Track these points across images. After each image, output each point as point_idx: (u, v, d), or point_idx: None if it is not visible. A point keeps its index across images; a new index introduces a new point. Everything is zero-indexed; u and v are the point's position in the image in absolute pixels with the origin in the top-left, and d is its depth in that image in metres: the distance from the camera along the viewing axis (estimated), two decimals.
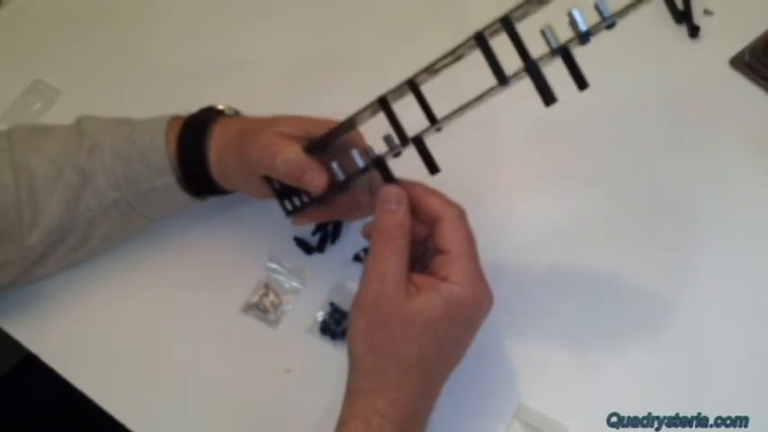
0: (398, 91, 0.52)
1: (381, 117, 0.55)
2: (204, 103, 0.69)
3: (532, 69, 0.48)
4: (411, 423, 0.51)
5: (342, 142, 0.59)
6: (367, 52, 0.79)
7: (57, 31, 0.85)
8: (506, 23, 0.48)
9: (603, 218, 0.68)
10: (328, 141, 0.59)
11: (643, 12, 0.76)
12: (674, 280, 0.64)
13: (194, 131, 0.63)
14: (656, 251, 0.66)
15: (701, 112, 0.71)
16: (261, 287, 0.68)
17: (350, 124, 0.57)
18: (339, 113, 0.62)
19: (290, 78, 0.79)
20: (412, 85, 0.51)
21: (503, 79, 0.49)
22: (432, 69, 0.51)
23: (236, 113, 0.68)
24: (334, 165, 0.57)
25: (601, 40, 0.76)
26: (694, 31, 0.74)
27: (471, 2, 0.80)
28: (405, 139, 0.53)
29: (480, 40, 0.49)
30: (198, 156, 0.63)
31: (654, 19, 0.76)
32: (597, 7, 0.48)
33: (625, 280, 0.65)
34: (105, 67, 0.82)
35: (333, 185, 0.58)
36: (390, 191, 0.54)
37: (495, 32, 0.50)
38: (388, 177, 0.55)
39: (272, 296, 0.68)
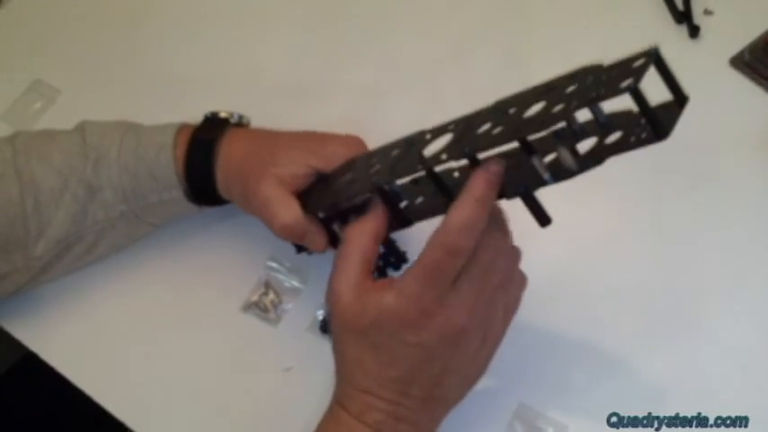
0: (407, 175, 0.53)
1: (393, 133, 0.56)
2: (205, 105, 0.68)
3: (527, 197, 0.49)
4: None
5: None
6: (368, 58, 0.79)
7: (57, 31, 0.85)
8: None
9: (601, 216, 0.68)
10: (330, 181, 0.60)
11: (643, 12, 0.77)
12: (673, 279, 0.64)
13: (201, 152, 0.63)
14: (655, 248, 0.66)
15: (700, 112, 0.71)
16: (261, 286, 0.68)
17: (348, 167, 0.59)
18: (340, 119, 0.63)
19: (292, 81, 0.79)
20: (429, 173, 0.52)
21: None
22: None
23: (240, 119, 0.67)
24: (335, 227, 0.59)
25: (600, 39, 0.76)
26: (694, 31, 0.74)
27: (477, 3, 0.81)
28: (408, 223, 0.55)
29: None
30: (205, 177, 0.63)
31: (653, 19, 0.76)
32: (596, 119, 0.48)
33: (625, 278, 0.65)
34: (105, 67, 0.82)
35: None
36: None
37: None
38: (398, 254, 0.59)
39: (272, 295, 0.68)
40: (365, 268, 0.52)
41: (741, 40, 0.73)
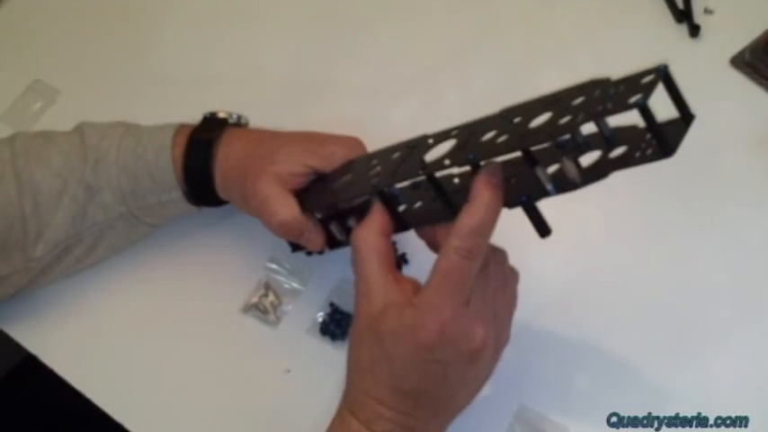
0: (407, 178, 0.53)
1: (391, 135, 0.55)
2: (204, 105, 0.68)
3: (528, 206, 0.49)
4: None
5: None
6: (369, 58, 0.79)
7: (56, 31, 0.85)
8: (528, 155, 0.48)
9: (600, 216, 0.68)
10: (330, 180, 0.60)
11: (643, 11, 0.77)
12: (673, 279, 0.64)
13: (199, 153, 0.63)
14: (654, 248, 0.66)
15: (701, 112, 0.70)
16: (261, 287, 0.68)
17: (347, 169, 0.58)
18: (340, 119, 0.62)
19: (292, 81, 0.79)
20: (430, 178, 0.52)
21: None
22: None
23: (239, 119, 0.67)
24: (333, 227, 0.59)
25: (601, 38, 0.76)
26: (695, 31, 0.74)
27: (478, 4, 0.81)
28: (406, 227, 0.55)
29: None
30: (204, 177, 0.63)
31: (654, 18, 0.76)
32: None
33: (624, 278, 0.65)
34: (105, 67, 0.82)
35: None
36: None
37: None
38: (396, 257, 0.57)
39: (271, 296, 0.67)
40: (385, 263, 0.52)
41: (742, 39, 0.73)
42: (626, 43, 0.75)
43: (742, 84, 0.71)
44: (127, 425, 0.63)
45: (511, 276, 0.55)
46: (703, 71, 0.72)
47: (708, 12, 0.75)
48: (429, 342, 0.48)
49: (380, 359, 0.50)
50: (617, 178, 0.70)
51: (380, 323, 0.50)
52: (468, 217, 0.48)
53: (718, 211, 0.67)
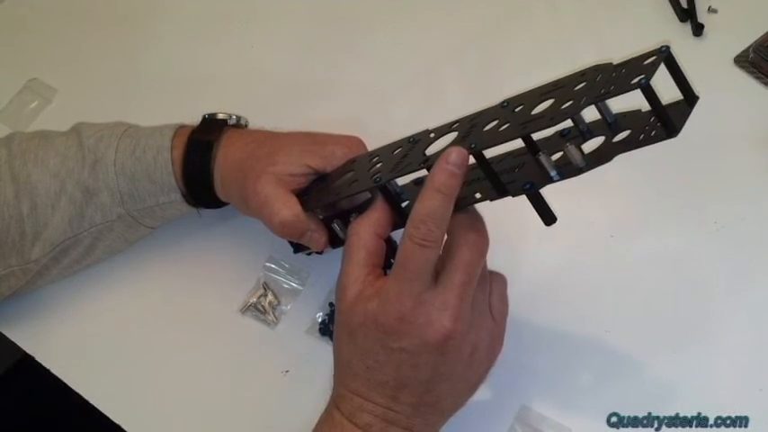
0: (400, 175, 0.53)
1: (392, 134, 0.55)
2: (204, 105, 0.68)
3: (533, 194, 0.48)
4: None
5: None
6: (369, 58, 0.79)
7: (53, 30, 0.85)
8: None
9: (602, 215, 0.67)
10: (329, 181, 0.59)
11: (646, 9, 0.76)
12: (674, 279, 0.64)
13: (198, 154, 0.63)
14: (655, 249, 0.66)
15: (704, 111, 0.70)
16: (259, 287, 0.67)
17: (348, 167, 0.58)
18: (340, 119, 0.62)
19: (292, 81, 0.79)
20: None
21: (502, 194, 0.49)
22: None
23: (238, 120, 0.67)
24: (335, 225, 0.59)
25: (604, 37, 0.76)
26: (698, 29, 0.74)
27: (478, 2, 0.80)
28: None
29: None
30: (203, 180, 0.63)
31: (657, 17, 0.76)
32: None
33: (625, 278, 0.64)
34: (102, 67, 0.82)
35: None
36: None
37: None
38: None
39: (270, 296, 0.67)
40: (370, 262, 0.52)
41: (745, 38, 0.72)
42: (629, 42, 0.73)
43: (746, 82, 0.71)
44: (124, 425, 0.63)
45: (498, 278, 0.55)
46: (707, 70, 0.72)
47: (712, 11, 0.75)
48: (391, 329, 0.49)
49: (355, 353, 0.51)
50: (619, 174, 0.70)
51: (351, 317, 0.51)
52: (419, 203, 0.48)
53: (720, 209, 0.66)
